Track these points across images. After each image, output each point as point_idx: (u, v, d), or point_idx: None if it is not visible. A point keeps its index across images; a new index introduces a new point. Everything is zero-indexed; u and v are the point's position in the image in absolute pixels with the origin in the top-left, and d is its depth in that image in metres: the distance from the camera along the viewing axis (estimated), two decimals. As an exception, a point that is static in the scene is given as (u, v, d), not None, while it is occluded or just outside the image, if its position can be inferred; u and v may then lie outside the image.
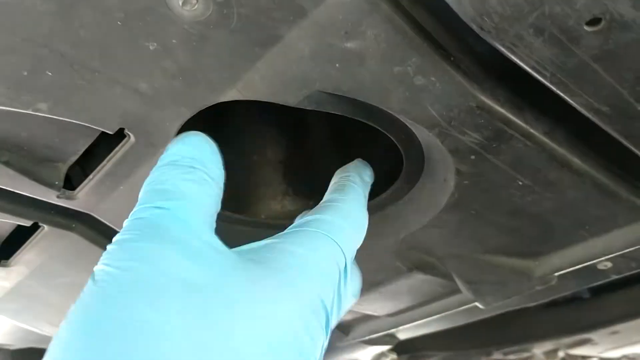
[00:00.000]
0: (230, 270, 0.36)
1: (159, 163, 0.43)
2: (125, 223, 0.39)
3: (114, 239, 0.38)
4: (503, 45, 0.40)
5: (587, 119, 0.48)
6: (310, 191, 0.74)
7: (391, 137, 0.53)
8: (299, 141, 0.75)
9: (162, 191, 0.40)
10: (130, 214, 0.39)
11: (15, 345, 1.23)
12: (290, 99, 0.48)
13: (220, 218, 0.68)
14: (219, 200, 0.42)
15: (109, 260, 0.36)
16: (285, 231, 0.45)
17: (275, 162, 0.76)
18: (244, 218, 0.69)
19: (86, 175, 0.62)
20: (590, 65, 0.41)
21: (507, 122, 0.48)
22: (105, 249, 0.72)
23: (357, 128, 0.71)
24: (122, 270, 0.35)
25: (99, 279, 0.35)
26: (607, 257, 0.68)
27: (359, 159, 0.58)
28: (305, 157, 0.75)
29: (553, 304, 1.33)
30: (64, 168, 0.62)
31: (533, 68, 0.42)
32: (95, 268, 0.36)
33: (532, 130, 0.49)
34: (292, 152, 0.75)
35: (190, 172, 0.41)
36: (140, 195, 0.41)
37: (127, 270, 0.34)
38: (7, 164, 0.58)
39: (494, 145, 0.50)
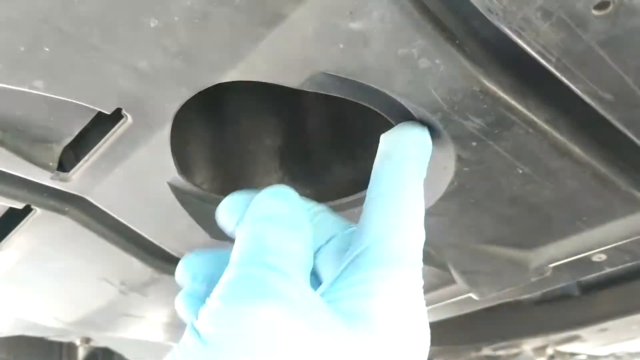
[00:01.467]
0: (339, 330, 0.35)
1: (254, 216, 0.40)
2: (227, 276, 0.36)
3: (217, 294, 0.35)
4: (510, 29, 0.40)
5: (590, 107, 0.47)
6: (307, 179, 0.74)
7: (392, 122, 0.52)
8: (296, 128, 0.74)
9: (266, 248, 0.38)
10: (230, 266, 0.37)
11: (3, 333, 1.21)
12: (293, 81, 0.47)
13: (214, 203, 0.68)
14: (312, 253, 0.40)
15: (216, 319, 0.34)
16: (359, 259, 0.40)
17: (271, 149, 0.75)
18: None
19: (79, 159, 0.62)
20: (596, 51, 0.41)
21: (510, 109, 0.48)
22: (99, 234, 0.72)
23: (355, 114, 0.70)
24: (233, 334, 0.33)
25: (209, 340, 0.33)
26: (602, 249, 0.68)
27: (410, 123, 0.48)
28: (303, 144, 0.74)
29: (543, 300, 1.34)
30: (58, 149, 0.61)
31: (539, 53, 0.41)
32: (199, 325, 0.34)
33: (534, 118, 0.49)
34: (289, 139, 0.75)
35: (291, 231, 0.39)
36: (238, 249, 0.38)
37: (238, 334, 0.33)
38: (0, 143, 0.57)
39: (496, 132, 0.50)
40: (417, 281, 0.40)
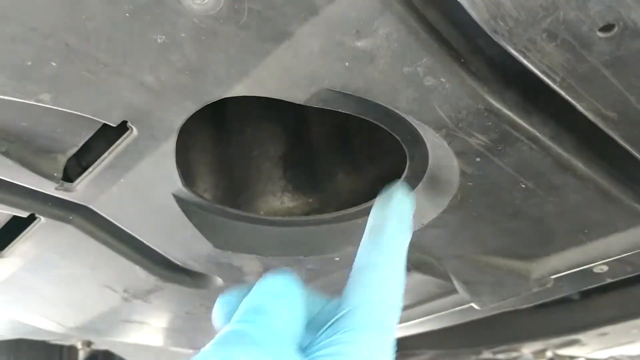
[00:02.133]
0: None
1: (257, 289, 0.46)
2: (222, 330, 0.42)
3: (211, 341, 0.40)
4: (515, 49, 0.40)
5: (593, 124, 0.48)
6: (309, 188, 0.74)
7: (396, 137, 0.53)
8: (300, 137, 0.75)
9: (255, 308, 0.43)
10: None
11: (4, 336, 1.22)
12: (298, 96, 0.47)
13: (218, 213, 0.68)
14: (303, 326, 0.44)
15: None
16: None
17: (275, 157, 0.75)
18: (243, 214, 0.68)
19: (83, 168, 0.62)
20: (600, 71, 0.41)
21: (514, 125, 0.48)
22: (103, 242, 0.72)
23: (358, 124, 0.71)
24: None
25: None
26: (604, 261, 0.68)
27: (399, 189, 0.51)
28: (306, 153, 0.75)
29: (543, 305, 1.34)
30: (63, 159, 0.62)
31: (543, 72, 0.42)
32: None
33: (538, 134, 0.49)
34: (292, 148, 0.75)
35: (282, 298, 0.44)
36: (239, 310, 0.44)
37: None
38: (6, 154, 0.58)
39: (500, 148, 0.50)
40: (387, 347, 0.43)
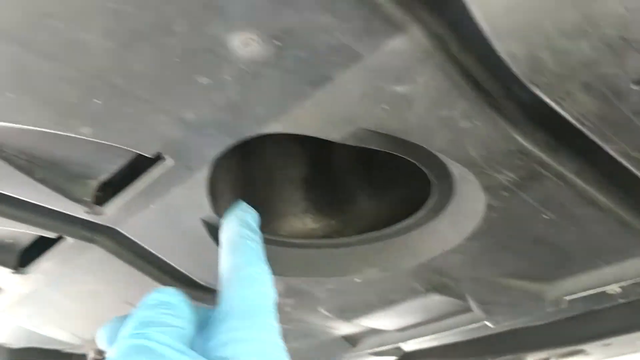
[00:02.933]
0: None
1: (143, 304, 0.50)
2: (116, 347, 0.45)
3: None
4: (551, 99, 0.41)
5: (618, 162, 0.49)
6: (331, 210, 0.76)
7: (424, 170, 0.54)
8: (322, 159, 0.76)
9: (145, 322, 0.47)
10: (119, 339, 0.46)
11: (15, 345, 1.22)
12: (334, 135, 0.49)
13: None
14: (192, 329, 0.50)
15: None
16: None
17: (297, 179, 0.77)
18: (267, 237, 0.70)
19: (114, 194, 0.63)
20: (631, 119, 0.43)
21: (543, 164, 0.49)
22: (127, 261, 0.73)
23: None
24: None
25: None
26: (618, 284, 0.70)
27: (240, 205, 0.61)
28: (328, 176, 0.76)
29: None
30: (94, 184, 0.63)
31: (576, 119, 0.43)
32: None
33: (564, 171, 0.51)
34: (314, 170, 0.77)
35: (168, 310, 0.49)
36: (128, 325, 0.47)
37: None
38: (42, 180, 0.59)
39: (527, 184, 0.52)
40: (273, 326, 0.50)
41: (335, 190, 0.75)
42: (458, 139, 0.47)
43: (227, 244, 0.57)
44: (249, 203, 0.75)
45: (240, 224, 0.58)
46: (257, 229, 0.59)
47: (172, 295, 0.51)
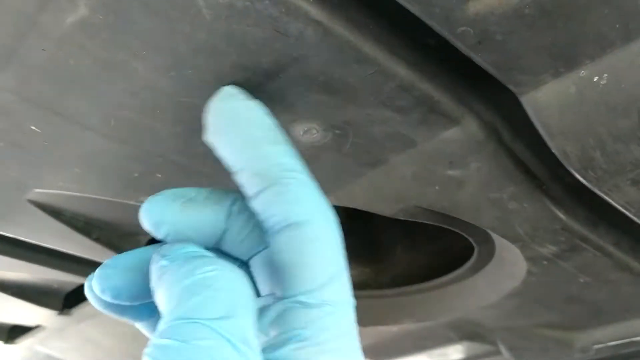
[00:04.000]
0: None
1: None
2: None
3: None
4: (600, 191, 0.44)
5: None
6: (367, 258, 0.78)
7: (469, 238, 0.57)
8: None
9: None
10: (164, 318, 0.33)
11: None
12: (386, 211, 0.51)
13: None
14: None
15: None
16: None
17: (333, 226, 0.79)
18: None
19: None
20: (672, 206, 0.45)
21: (584, 238, 0.52)
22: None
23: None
24: None
25: None
26: (646, 335, 0.72)
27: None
28: (365, 224, 0.78)
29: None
30: (145, 240, 0.65)
31: (621, 205, 0.45)
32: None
33: (603, 243, 0.53)
34: (351, 217, 0.79)
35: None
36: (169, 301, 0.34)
37: None
38: (97, 240, 0.61)
39: (567, 254, 0.54)
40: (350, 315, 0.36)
41: (372, 240, 0.77)
42: (506, 218, 0.49)
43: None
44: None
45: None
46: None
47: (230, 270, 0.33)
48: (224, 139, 0.39)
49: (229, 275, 0.33)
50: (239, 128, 0.39)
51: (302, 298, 0.34)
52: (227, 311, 0.31)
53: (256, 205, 0.37)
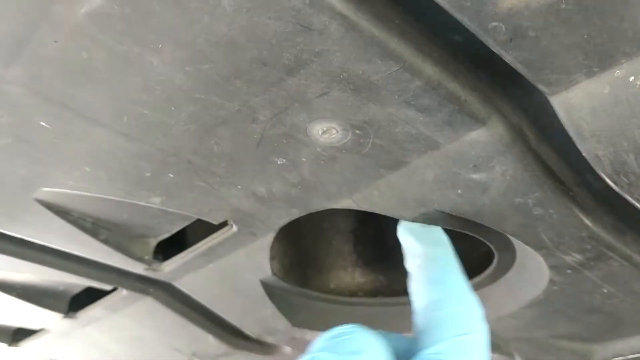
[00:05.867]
0: None
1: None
2: None
3: None
4: (632, 197, 0.42)
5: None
6: (379, 264, 0.76)
7: (490, 245, 0.55)
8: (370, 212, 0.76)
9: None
10: None
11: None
12: (406, 215, 0.49)
13: (298, 295, 0.70)
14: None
15: None
16: None
17: (346, 232, 0.77)
18: (322, 296, 0.70)
19: (173, 252, 0.64)
20: None
21: (610, 247, 0.50)
22: (179, 313, 0.74)
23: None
24: None
25: None
26: (668, 348, 0.70)
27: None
28: (377, 229, 0.77)
29: None
30: (154, 243, 0.64)
31: (653, 212, 0.44)
32: None
33: (630, 252, 0.51)
34: (363, 223, 0.77)
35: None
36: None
37: None
38: (104, 241, 0.60)
39: (592, 263, 0.52)
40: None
41: (384, 245, 0.76)
42: (530, 224, 0.47)
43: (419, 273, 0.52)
44: (296, 255, 0.76)
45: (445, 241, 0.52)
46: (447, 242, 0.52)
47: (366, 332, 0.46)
48: None
49: None
50: None
51: None
52: None
53: None
